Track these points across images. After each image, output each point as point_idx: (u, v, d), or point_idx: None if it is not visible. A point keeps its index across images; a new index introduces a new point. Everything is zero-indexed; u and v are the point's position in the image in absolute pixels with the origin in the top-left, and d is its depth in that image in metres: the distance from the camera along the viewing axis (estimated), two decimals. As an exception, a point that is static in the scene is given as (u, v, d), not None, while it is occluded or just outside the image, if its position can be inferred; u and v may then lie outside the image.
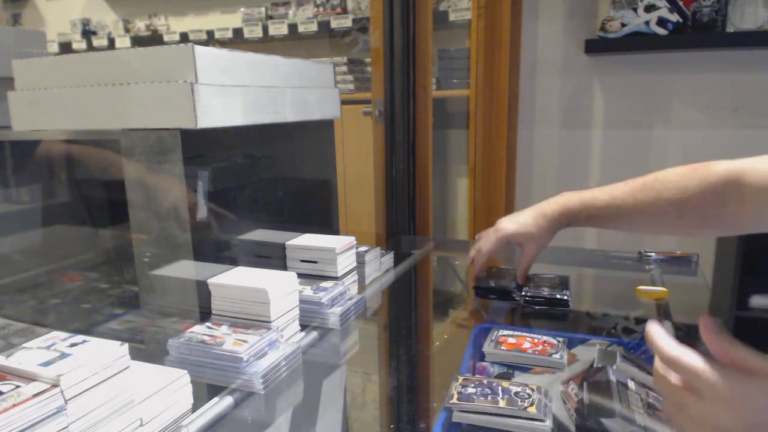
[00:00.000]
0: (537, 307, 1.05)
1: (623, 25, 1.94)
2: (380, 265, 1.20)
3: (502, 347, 0.82)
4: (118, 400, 0.56)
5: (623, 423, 0.63)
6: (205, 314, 0.84)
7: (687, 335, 0.93)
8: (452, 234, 2.62)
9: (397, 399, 0.79)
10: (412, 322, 1.13)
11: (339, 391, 0.84)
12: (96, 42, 3.44)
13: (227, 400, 0.69)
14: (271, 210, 1.03)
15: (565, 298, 1.03)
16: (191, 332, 0.77)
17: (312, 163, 1.18)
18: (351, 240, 1.07)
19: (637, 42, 1.95)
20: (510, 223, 1.05)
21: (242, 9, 3.03)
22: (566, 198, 0.98)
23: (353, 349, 0.93)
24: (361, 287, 1.11)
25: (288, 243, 1.05)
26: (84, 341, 0.57)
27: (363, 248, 1.14)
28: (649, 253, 1.31)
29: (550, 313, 1.03)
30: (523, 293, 1.07)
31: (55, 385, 0.50)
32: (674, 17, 1.89)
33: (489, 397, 0.65)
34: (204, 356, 0.73)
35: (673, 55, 2.02)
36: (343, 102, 1.22)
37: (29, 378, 0.52)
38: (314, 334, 0.89)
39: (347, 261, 1.06)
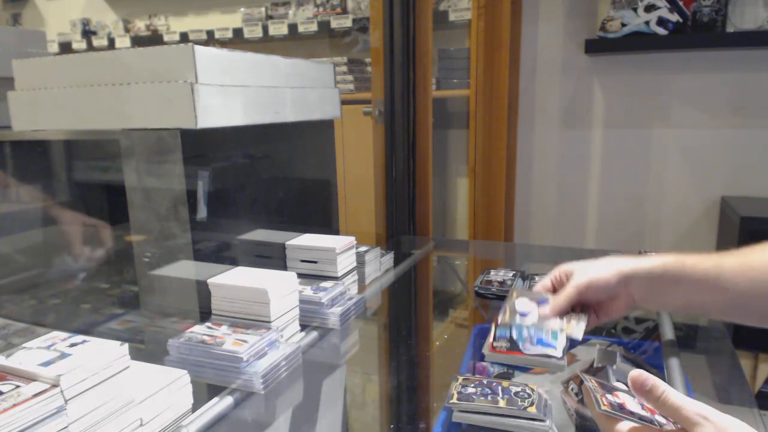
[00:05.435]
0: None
1: (623, 25, 1.94)
2: (380, 265, 1.19)
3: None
4: (118, 400, 0.56)
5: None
6: (205, 314, 0.84)
7: (686, 336, 0.93)
8: (452, 234, 2.62)
9: (397, 399, 0.79)
10: (412, 322, 1.13)
11: (339, 391, 0.84)
12: (96, 42, 3.44)
13: (227, 400, 0.69)
14: (271, 210, 1.03)
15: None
16: (191, 332, 0.77)
17: (312, 163, 1.18)
18: (351, 240, 1.07)
19: (637, 42, 1.95)
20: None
21: (242, 9, 3.03)
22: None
23: (353, 349, 0.93)
24: (361, 287, 1.11)
25: (288, 243, 1.05)
26: (84, 341, 0.57)
27: (363, 248, 1.14)
28: (649, 253, 1.31)
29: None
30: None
31: (55, 385, 0.50)
32: (674, 17, 1.89)
33: (489, 397, 0.65)
34: (204, 356, 0.73)
35: (673, 55, 2.02)
36: (343, 102, 1.22)
37: (29, 378, 0.52)
38: (314, 334, 0.89)
39: (347, 261, 1.06)
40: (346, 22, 2.71)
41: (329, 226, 1.26)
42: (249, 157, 0.96)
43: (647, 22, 1.91)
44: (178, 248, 0.82)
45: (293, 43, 2.97)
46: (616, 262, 0.74)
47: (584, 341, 0.86)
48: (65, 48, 3.51)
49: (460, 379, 0.70)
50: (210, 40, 3.03)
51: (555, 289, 0.80)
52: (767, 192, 1.97)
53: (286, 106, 0.99)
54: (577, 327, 0.73)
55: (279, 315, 0.82)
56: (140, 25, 3.38)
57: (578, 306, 0.76)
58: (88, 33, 3.48)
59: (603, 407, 0.52)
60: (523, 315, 0.80)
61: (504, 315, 0.81)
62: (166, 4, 3.33)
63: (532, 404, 0.64)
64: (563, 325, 0.74)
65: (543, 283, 0.82)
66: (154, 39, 3.28)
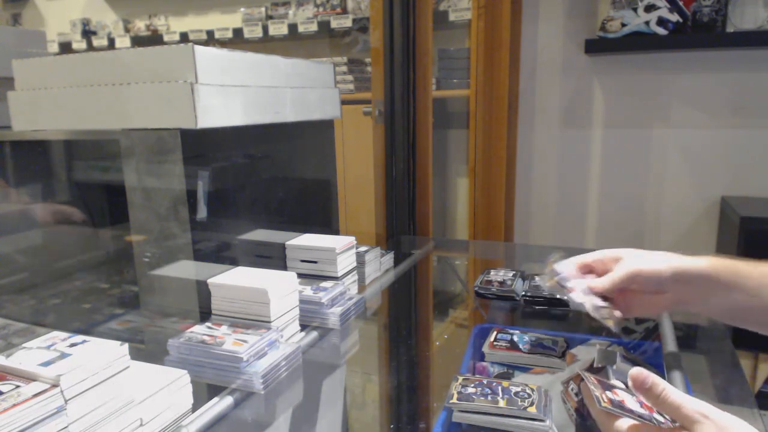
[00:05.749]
0: (537, 307, 1.04)
1: (623, 25, 1.94)
2: (380, 265, 1.19)
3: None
4: (118, 400, 0.56)
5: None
6: (205, 314, 0.84)
7: (686, 336, 0.93)
8: (452, 234, 2.62)
9: (397, 399, 0.79)
10: (412, 322, 1.13)
11: (339, 391, 0.84)
12: (96, 42, 3.44)
13: (227, 400, 0.69)
14: (271, 210, 1.03)
15: (565, 298, 1.03)
16: (191, 332, 0.77)
17: (312, 163, 1.18)
18: (351, 240, 1.07)
19: (637, 42, 1.95)
20: None
21: (242, 9, 3.03)
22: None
23: (353, 349, 0.93)
24: (361, 287, 1.11)
25: (288, 243, 1.05)
26: (84, 341, 0.57)
27: (363, 248, 1.14)
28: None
29: (550, 313, 1.03)
30: (523, 293, 1.07)
31: (55, 385, 0.50)
32: (674, 17, 1.89)
33: (489, 397, 0.65)
34: (204, 356, 0.73)
35: (673, 55, 2.02)
36: (343, 102, 1.22)
37: (29, 378, 0.52)
38: (314, 334, 0.89)
39: (347, 261, 1.06)
40: (346, 22, 2.71)
41: (329, 226, 1.26)
42: (249, 157, 0.96)
43: (647, 22, 1.91)
44: (178, 248, 0.82)
45: (293, 43, 2.97)
46: (669, 256, 0.71)
47: (584, 341, 0.86)
48: (65, 48, 3.51)
49: (460, 379, 0.70)
50: (210, 40, 3.03)
51: (592, 271, 0.76)
52: (767, 192, 1.97)
53: (286, 106, 0.99)
54: (617, 318, 0.70)
55: (279, 315, 0.82)
56: (140, 25, 3.38)
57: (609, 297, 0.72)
58: (88, 33, 3.48)
59: (603, 404, 0.52)
60: (563, 279, 0.76)
61: (547, 279, 0.77)
62: (166, 4, 3.33)
63: (532, 404, 0.64)
64: (608, 307, 0.70)
65: (582, 258, 0.76)
66: (154, 39, 3.28)
